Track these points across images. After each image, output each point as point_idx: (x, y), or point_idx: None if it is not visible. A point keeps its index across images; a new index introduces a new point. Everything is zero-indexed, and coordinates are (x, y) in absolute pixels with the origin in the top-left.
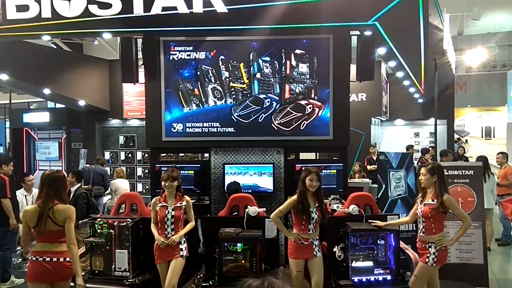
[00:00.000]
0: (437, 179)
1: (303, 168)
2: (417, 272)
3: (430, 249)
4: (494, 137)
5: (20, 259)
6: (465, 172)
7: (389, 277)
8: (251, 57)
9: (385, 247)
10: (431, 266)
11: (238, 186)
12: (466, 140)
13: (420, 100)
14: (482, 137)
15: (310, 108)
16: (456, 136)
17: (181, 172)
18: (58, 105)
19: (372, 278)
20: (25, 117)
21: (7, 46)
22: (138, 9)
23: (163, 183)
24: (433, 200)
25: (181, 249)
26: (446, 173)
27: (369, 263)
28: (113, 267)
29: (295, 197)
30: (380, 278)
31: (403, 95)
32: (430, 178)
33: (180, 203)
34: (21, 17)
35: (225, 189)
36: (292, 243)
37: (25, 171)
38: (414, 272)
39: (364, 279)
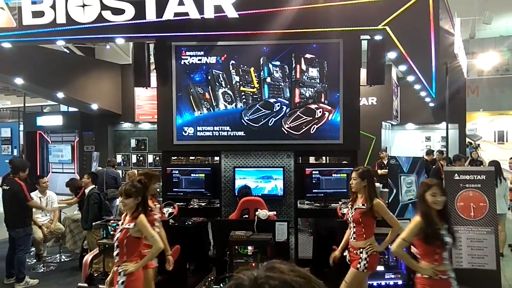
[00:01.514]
0: (367, 184)
1: (421, 182)
2: (348, 278)
3: (361, 254)
4: (507, 141)
5: (34, 260)
6: (477, 177)
7: (400, 282)
8: (261, 62)
9: None
10: (362, 272)
11: (249, 190)
12: (478, 145)
13: (431, 104)
14: (494, 141)
15: (320, 112)
16: (468, 140)
17: (192, 175)
18: (71, 109)
19: (383, 283)
20: (38, 120)
21: (22, 51)
22: (150, 15)
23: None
24: (363, 205)
25: (118, 282)
26: (457, 177)
27: (380, 268)
28: None
29: (418, 219)
30: (391, 282)
31: (414, 99)
32: (360, 182)
33: (128, 225)
34: (37, 22)
35: (236, 192)
36: (424, 280)
37: (38, 174)
38: (345, 278)
39: (375, 283)
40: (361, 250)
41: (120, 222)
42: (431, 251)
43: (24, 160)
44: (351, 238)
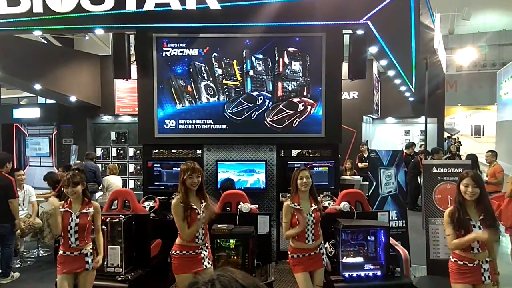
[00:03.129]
0: (313, 185)
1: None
2: (321, 281)
3: (321, 251)
4: (483, 135)
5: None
6: (454, 170)
7: (379, 273)
8: (244, 55)
9: (376, 243)
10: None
11: (232, 183)
12: (457, 138)
13: (411, 99)
14: (471, 135)
15: (302, 105)
16: (446, 134)
17: (174, 168)
18: (49, 101)
19: (362, 274)
20: (15, 113)
21: None
22: (130, 5)
23: (64, 190)
24: (314, 205)
25: (87, 262)
26: (435, 170)
27: (360, 259)
28: (105, 263)
29: (451, 207)
30: (370, 273)
31: (395, 93)
32: (312, 182)
33: (86, 210)
34: (12, 11)
35: (219, 185)
36: (452, 264)
37: (15, 167)
38: (318, 283)
39: (354, 274)
40: (320, 248)
41: (64, 209)
42: (458, 238)
43: (5, 152)
44: (308, 242)
